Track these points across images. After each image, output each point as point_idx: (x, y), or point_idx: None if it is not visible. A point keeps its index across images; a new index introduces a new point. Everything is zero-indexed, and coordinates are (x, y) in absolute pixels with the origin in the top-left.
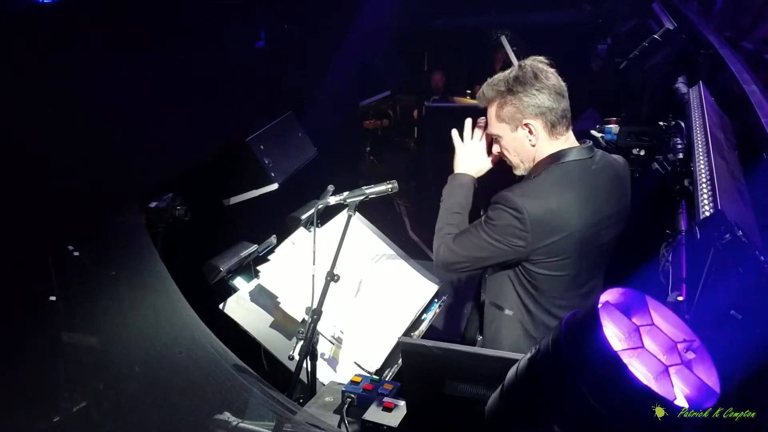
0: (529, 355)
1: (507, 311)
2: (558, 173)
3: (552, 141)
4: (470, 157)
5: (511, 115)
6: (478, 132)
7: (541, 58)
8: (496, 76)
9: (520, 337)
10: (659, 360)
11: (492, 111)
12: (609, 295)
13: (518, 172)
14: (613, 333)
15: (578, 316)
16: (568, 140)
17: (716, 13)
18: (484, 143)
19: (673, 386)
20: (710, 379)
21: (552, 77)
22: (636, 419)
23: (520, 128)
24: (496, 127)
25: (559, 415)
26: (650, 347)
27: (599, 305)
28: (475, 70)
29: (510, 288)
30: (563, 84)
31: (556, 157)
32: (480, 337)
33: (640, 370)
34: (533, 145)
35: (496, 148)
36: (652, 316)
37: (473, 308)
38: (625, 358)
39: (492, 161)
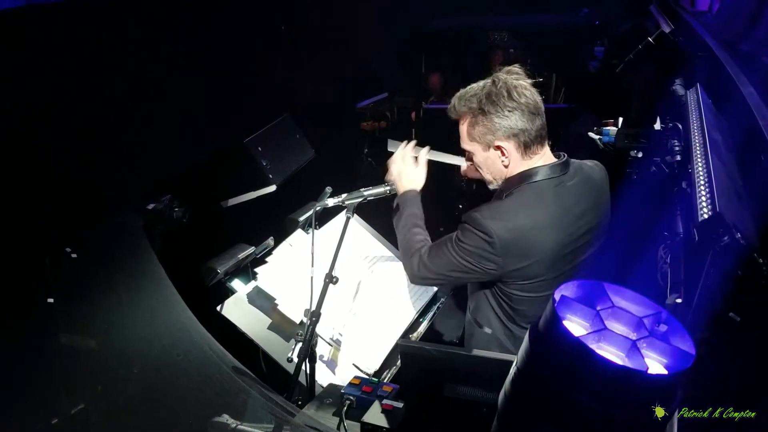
0: (511, 374)
1: (486, 329)
2: (528, 194)
3: (525, 160)
4: (412, 174)
5: (482, 135)
6: (404, 150)
7: (516, 69)
8: (468, 89)
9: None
10: (626, 337)
11: (463, 128)
12: (565, 290)
13: (491, 186)
14: (578, 324)
15: (540, 320)
16: (542, 157)
17: (713, 15)
18: (410, 158)
19: (644, 358)
20: (684, 344)
21: (526, 93)
22: (625, 400)
23: (492, 149)
24: (468, 145)
25: (560, 423)
26: (615, 327)
27: (555, 302)
28: (472, 72)
29: (487, 306)
30: (538, 99)
31: (526, 176)
32: None
33: (611, 351)
34: (506, 166)
35: (467, 162)
36: (613, 299)
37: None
38: (591, 344)
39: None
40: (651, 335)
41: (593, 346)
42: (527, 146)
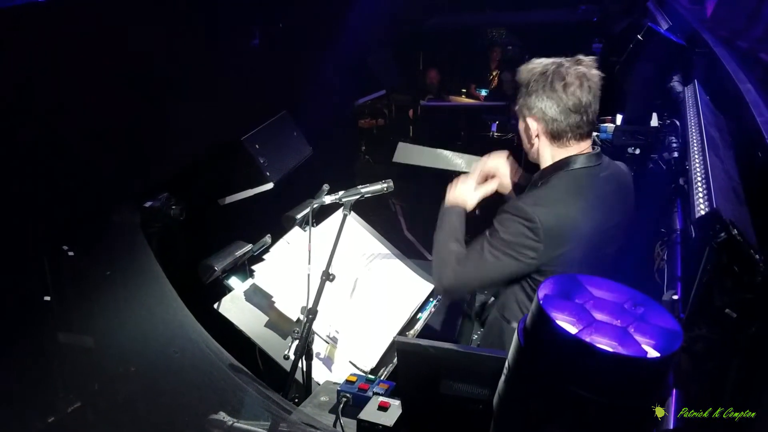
0: (503, 375)
1: (513, 324)
2: (566, 181)
3: (556, 148)
4: (464, 193)
5: (522, 105)
6: (476, 171)
7: (586, 60)
8: (536, 61)
9: None
10: (615, 326)
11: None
12: (545, 289)
13: (530, 156)
14: (565, 320)
15: (528, 320)
16: (576, 149)
17: (710, 13)
18: (474, 183)
19: (639, 343)
20: (666, 321)
21: (575, 91)
22: (628, 388)
23: (523, 120)
24: (517, 106)
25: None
26: (601, 318)
27: (541, 301)
28: (470, 69)
29: (514, 302)
30: (586, 99)
31: (563, 165)
32: (476, 336)
33: (604, 342)
34: (532, 142)
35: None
36: (590, 291)
37: (464, 317)
38: (586, 338)
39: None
40: (636, 320)
41: (588, 339)
42: (555, 136)
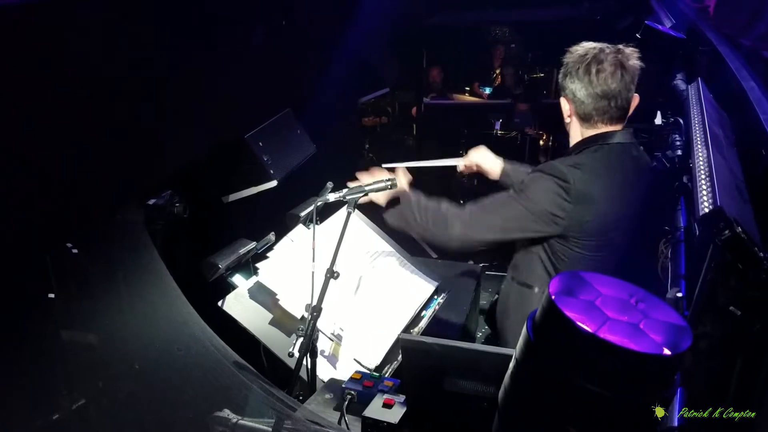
0: (510, 369)
1: (536, 290)
2: (603, 152)
3: (586, 128)
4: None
5: (560, 83)
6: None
7: (627, 50)
8: (582, 44)
9: None
10: (627, 323)
11: None
12: (552, 288)
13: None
14: (577, 318)
15: (539, 317)
16: (606, 130)
17: (713, 10)
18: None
19: (652, 340)
20: (672, 317)
21: (606, 78)
22: (642, 384)
23: (562, 101)
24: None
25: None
26: (613, 315)
27: (554, 298)
28: (473, 67)
29: (540, 267)
30: (617, 87)
31: (600, 138)
32: (480, 333)
33: (617, 339)
34: (566, 119)
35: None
36: (596, 287)
37: (472, 304)
38: (603, 336)
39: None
40: (644, 316)
41: (610, 339)
42: (583, 118)
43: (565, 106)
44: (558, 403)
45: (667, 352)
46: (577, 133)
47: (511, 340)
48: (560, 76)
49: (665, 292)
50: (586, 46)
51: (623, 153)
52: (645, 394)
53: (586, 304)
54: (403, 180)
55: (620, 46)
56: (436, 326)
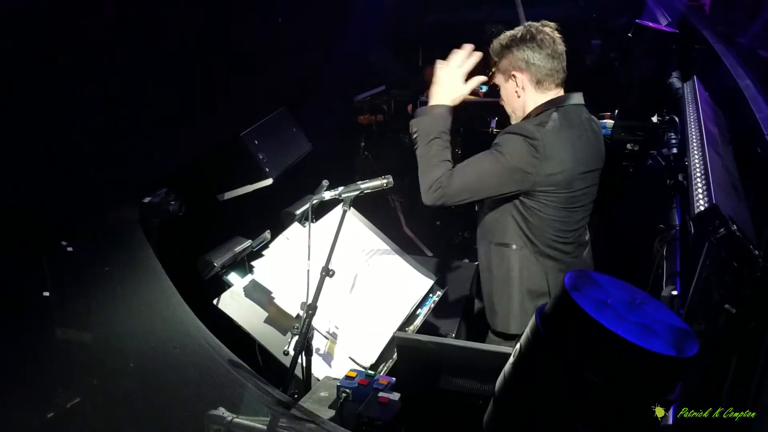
0: (512, 358)
1: (514, 246)
2: (562, 112)
3: (539, 94)
4: (449, 83)
5: (505, 68)
6: (462, 57)
7: (549, 23)
8: (503, 33)
9: (531, 267)
10: (641, 324)
11: (496, 64)
12: (566, 283)
13: (512, 120)
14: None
15: (551, 310)
16: (556, 94)
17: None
18: (464, 70)
19: (663, 341)
20: (672, 318)
21: (547, 39)
22: (652, 382)
23: (510, 80)
24: (496, 78)
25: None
26: (626, 315)
27: (570, 293)
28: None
29: (513, 224)
30: (559, 48)
31: (556, 102)
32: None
33: (634, 340)
34: (519, 97)
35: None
36: (605, 286)
37: (467, 302)
38: (624, 335)
39: (469, 89)
40: (649, 317)
41: (631, 339)
42: (539, 82)
43: (518, 78)
44: (566, 399)
45: (676, 354)
46: (530, 103)
47: (498, 301)
48: (500, 62)
49: (660, 289)
50: (509, 32)
51: (579, 112)
52: (657, 394)
53: (599, 303)
54: (459, 88)
55: (543, 21)
56: (432, 324)
